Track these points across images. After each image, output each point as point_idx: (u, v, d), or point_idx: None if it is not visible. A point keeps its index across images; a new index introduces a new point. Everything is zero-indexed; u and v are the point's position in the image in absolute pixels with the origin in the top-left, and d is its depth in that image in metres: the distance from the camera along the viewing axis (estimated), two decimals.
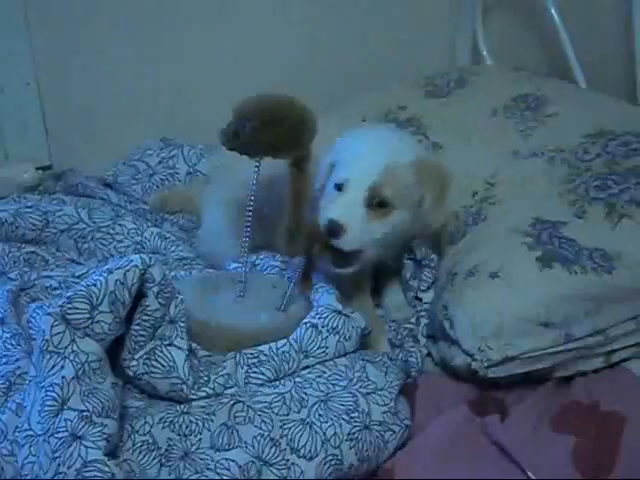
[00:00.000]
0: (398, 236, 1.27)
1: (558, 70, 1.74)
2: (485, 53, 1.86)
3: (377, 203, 1.22)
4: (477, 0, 1.82)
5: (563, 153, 1.37)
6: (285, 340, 1.14)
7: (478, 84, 1.63)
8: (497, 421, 1.12)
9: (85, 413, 0.96)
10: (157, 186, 1.56)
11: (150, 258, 1.07)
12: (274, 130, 1.12)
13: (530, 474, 1.03)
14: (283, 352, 1.13)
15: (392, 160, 1.24)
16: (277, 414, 1.06)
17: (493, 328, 1.15)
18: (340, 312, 1.17)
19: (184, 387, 1.07)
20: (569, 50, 1.69)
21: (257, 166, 1.18)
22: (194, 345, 1.12)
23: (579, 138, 1.38)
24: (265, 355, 1.12)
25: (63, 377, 0.97)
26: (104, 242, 1.39)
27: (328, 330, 1.16)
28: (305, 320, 1.16)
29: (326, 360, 1.15)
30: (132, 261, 1.05)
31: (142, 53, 1.71)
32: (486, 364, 1.15)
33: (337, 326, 1.16)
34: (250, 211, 1.19)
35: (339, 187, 1.24)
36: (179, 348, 1.08)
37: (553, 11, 1.69)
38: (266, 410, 1.06)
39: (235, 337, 1.15)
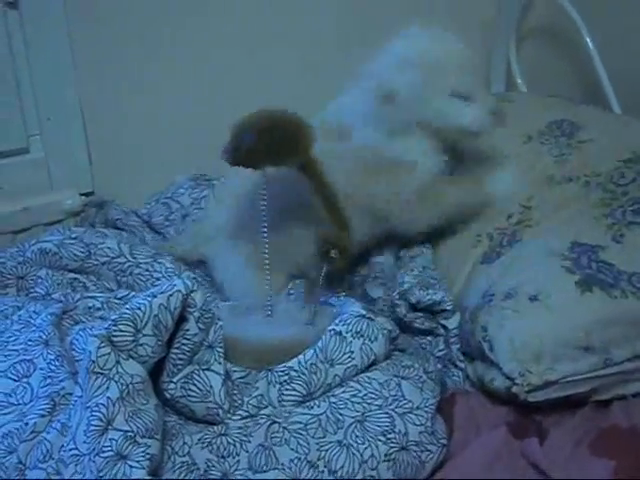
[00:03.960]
0: None
1: (592, 97, 1.75)
2: (519, 81, 1.87)
3: None
4: (511, 29, 1.84)
5: (599, 178, 1.38)
6: (312, 351, 1.15)
7: (512, 111, 1.64)
8: (536, 444, 1.12)
9: (130, 433, 0.98)
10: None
11: (193, 283, 1.10)
12: (271, 137, 1.15)
13: None
14: (311, 364, 1.14)
15: None
16: (313, 436, 1.07)
17: (534, 352, 1.16)
18: (364, 316, 1.18)
19: (220, 411, 1.09)
20: (603, 77, 1.69)
21: (264, 177, 1.21)
22: (229, 366, 1.14)
23: (614, 162, 1.39)
24: (295, 371, 1.13)
25: (108, 398, 1.00)
26: (142, 278, 1.41)
27: (352, 335, 1.16)
28: (329, 328, 1.18)
29: (356, 368, 1.15)
30: (175, 286, 1.08)
31: (186, 83, 1.75)
32: (527, 389, 1.15)
33: (361, 329, 1.17)
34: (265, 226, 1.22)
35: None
36: (216, 373, 1.10)
37: (587, 39, 1.70)
38: (302, 432, 1.08)
39: (263, 351, 1.17)
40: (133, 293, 1.31)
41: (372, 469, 1.05)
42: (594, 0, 1.65)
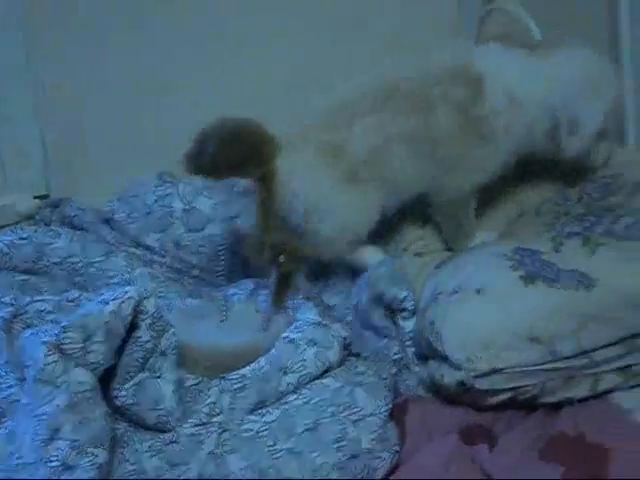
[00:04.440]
0: None
1: None
2: None
3: None
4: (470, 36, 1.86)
5: (546, 204, 1.44)
6: (265, 359, 1.15)
7: None
8: (485, 450, 1.13)
9: (77, 442, 0.97)
10: (154, 225, 1.54)
11: (145, 290, 1.10)
12: (233, 148, 1.15)
13: None
14: (264, 372, 1.14)
15: None
16: (264, 444, 1.07)
17: (481, 340, 1.18)
18: (319, 323, 1.19)
19: (171, 419, 1.08)
20: None
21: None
22: (182, 373, 1.13)
23: (560, 187, 1.46)
24: (248, 378, 1.13)
25: (56, 406, 0.99)
26: (96, 277, 1.40)
27: (307, 342, 1.17)
28: (284, 335, 1.18)
29: (309, 376, 1.15)
30: (127, 292, 1.07)
31: (144, 84, 1.73)
32: (473, 374, 1.17)
33: (315, 337, 1.18)
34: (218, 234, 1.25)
35: None
36: (168, 380, 1.09)
37: None
38: (253, 440, 1.08)
39: (217, 358, 1.17)
40: (85, 294, 1.30)
41: (323, 477, 1.06)
42: (547, 10, 1.68)
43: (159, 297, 1.38)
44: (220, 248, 1.46)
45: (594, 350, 1.19)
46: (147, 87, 1.74)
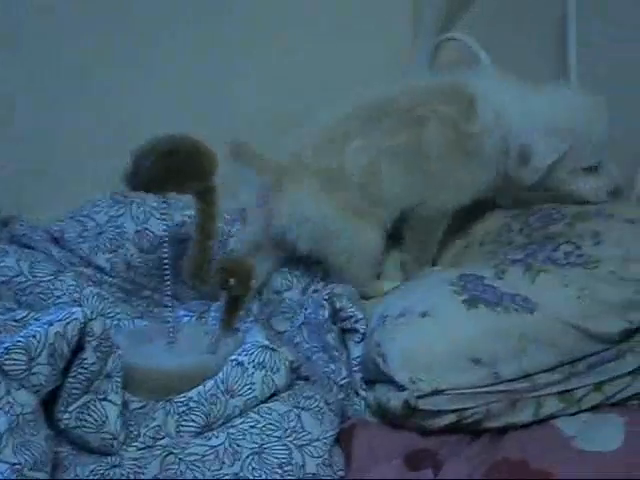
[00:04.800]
0: None
1: None
2: None
3: None
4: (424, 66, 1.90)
5: (490, 235, 1.48)
6: (212, 382, 1.15)
7: None
8: (430, 474, 1.13)
9: (17, 466, 0.95)
10: (105, 245, 1.54)
11: (92, 312, 1.09)
12: (170, 162, 1.14)
13: None
14: (211, 395, 1.13)
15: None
16: (209, 468, 1.07)
17: (424, 361, 1.20)
18: (267, 347, 1.19)
19: (115, 442, 1.07)
20: None
21: (165, 201, 1.22)
22: (127, 396, 1.12)
23: (503, 218, 1.50)
24: (194, 401, 1.13)
25: None
26: (43, 297, 1.39)
27: (254, 366, 1.17)
28: (231, 358, 1.18)
29: (256, 399, 1.15)
30: (74, 314, 1.06)
31: (99, 98, 1.73)
32: (416, 394, 1.18)
33: (263, 360, 1.18)
34: (166, 252, 1.23)
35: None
36: (113, 403, 1.08)
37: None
38: (198, 463, 1.07)
39: (163, 380, 1.16)
40: (32, 314, 1.27)
41: None
42: (499, 42, 1.72)
43: (108, 317, 1.38)
44: (171, 270, 1.45)
45: (536, 373, 1.21)
46: (102, 104, 1.73)
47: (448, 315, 1.25)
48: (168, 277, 1.23)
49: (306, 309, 1.41)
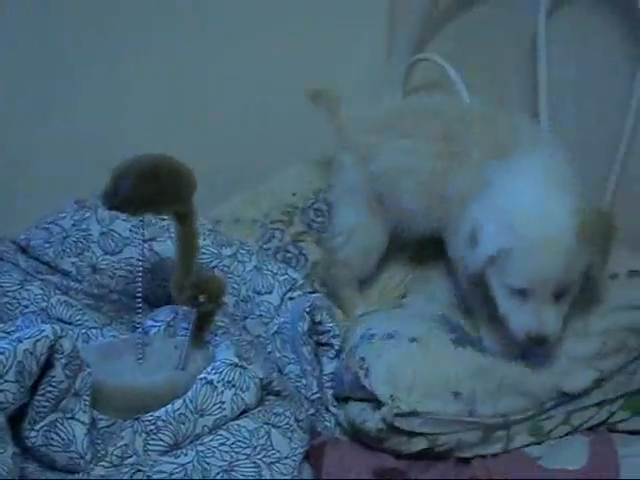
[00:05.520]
0: None
1: None
2: None
3: (558, 294, 1.19)
4: (398, 84, 1.91)
5: None
6: (181, 400, 1.14)
7: None
8: None
9: None
10: (70, 249, 1.52)
11: (62, 329, 1.08)
12: (151, 185, 1.14)
13: None
14: (180, 414, 1.13)
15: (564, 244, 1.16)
16: None
17: (407, 382, 1.22)
18: (236, 365, 1.18)
19: (82, 462, 1.06)
20: None
21: (141, 221, 1.23)
22: (95, 414, 1.11)
23: None
24: (163, 420, 1.12)
25: None
26: (10, 307, 1.37)
27: (224, 384, 1.16)
28: (201, 376, 1.17)
29: (226, 418, 1.15)
30: (43, 331, 1.05)
31: (71, 109, 1.72)
32: (395, 411, 1.20)
33: (233, 379, 1.17)
34: (140, 272, 1.24)
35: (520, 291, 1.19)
36: (81, 422, 1.07)
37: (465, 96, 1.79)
38: None
39: (131, 397, 1.15)
40: (0, 325, 1.26)
41: None
42: (471, 63, 1.74)
43: (76, 326, 1.37)
44: (138, 271, 1.45)
45: (509, 414, 1.24)
46: (74, 116, 1.73)
47: (437, 347, 1.27)
48: (141, 280, 1.23)
49: (280, 318, 1.41)
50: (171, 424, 1.12)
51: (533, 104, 1.68)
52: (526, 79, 1.72)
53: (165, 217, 1.41)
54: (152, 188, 1.14)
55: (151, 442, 1.11)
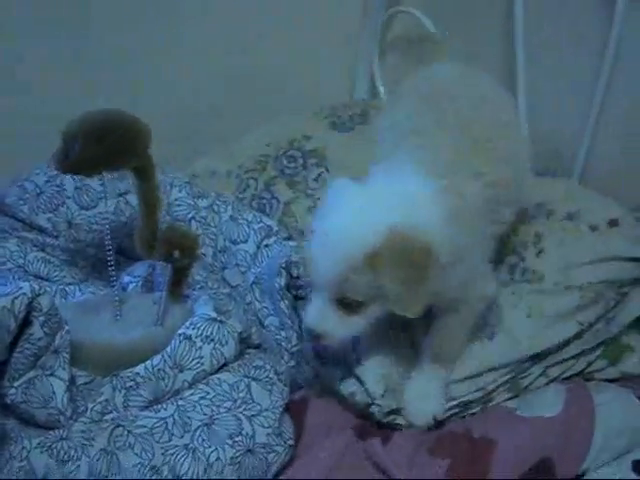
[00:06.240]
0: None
1: None
2: (382, 90, 1.92)
3: (347, 303, 1.11)
4: (374, 41, 1.87)
5: None
6: (160, 356, 1.14)
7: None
8: (379, 444, 1.17)
9: None
10: (45, 205, 1.50)
11: (40, 287, 1.07)
12: (102, 144, 1.10)
13: None
14: (159, 370, 1.13)
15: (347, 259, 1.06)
16: (158, 441, 1.07)
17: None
18: (215, 319, 1.18)
19: (61, 418, 1.06)
20: None
21: (101, 181, 1.22)
22: (74, 371, 1.11)
23: None
24: (142, 377, 1.12)
25: None
26: None
27: (202, 339, 1.16)
28: (179, 332, 1.17)
29: (205, 372, 1.15)
30: (21, 289, 1.05)
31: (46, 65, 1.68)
32: (386, 410, 1.21)
33: (211, 333, 1.17)
34: (108, 225, 1.24)
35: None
36: (60, 379, 1.07)
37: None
38: (147, 436, 1.07)
39: (109, 355, 1.15)
40: None
41: (218, 473, 1.06)
42: (447, 14, 1.73)
43: (53, 282, 1.37)
44: (113, 225, 1.43)
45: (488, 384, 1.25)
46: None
47: None
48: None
49: (257, 267, 1.41)
50: (150, 380, 1.12)
51: (510, 55, 1.68)
52: (503, 31, 1.70)
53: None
54: (101, 148, 1.11)
55: (131, 398, 1.11)
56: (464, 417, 1.24)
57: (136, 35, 1.71)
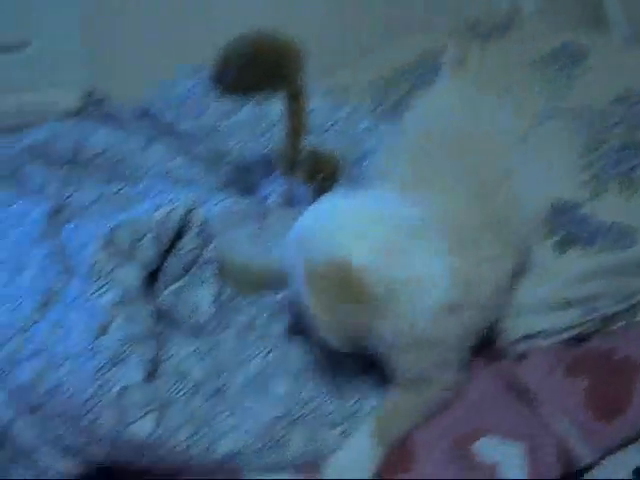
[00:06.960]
0: None
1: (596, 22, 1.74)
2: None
3: None
4: None
5: (586, 117, 1.38)
6: None
7: (519, 32, 1.64)
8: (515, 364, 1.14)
9: (126, 338, 0.99)
10: (189, 111, 1.53)
11: (194, 201, 1.10)
12: (257, 65, 1.11)
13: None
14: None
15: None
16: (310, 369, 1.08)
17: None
18: None
19: (208, 326, 1.10)
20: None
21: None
22: (221, 285, 1.14)
23: (607, 101, 1.39)
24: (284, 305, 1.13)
25: (107, 301, 1.00)
26: (136, 167, 1.41)
27: None
28: None
29: None
30: (178, 200, 1.08)
31: None
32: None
33: None
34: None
35: None
36: (208, 289, 1.11)
37: None
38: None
39: (248, 276, 1.17)
40: (127, 186, 1.32)
41: None
42: None
43: (197, 187, 1.40)
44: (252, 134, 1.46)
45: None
46: None
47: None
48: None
49: None
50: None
51: None
52: None
53: None
54: (257, 69, 1.12)
55: (274, 323, 1.13)
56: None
57: None
